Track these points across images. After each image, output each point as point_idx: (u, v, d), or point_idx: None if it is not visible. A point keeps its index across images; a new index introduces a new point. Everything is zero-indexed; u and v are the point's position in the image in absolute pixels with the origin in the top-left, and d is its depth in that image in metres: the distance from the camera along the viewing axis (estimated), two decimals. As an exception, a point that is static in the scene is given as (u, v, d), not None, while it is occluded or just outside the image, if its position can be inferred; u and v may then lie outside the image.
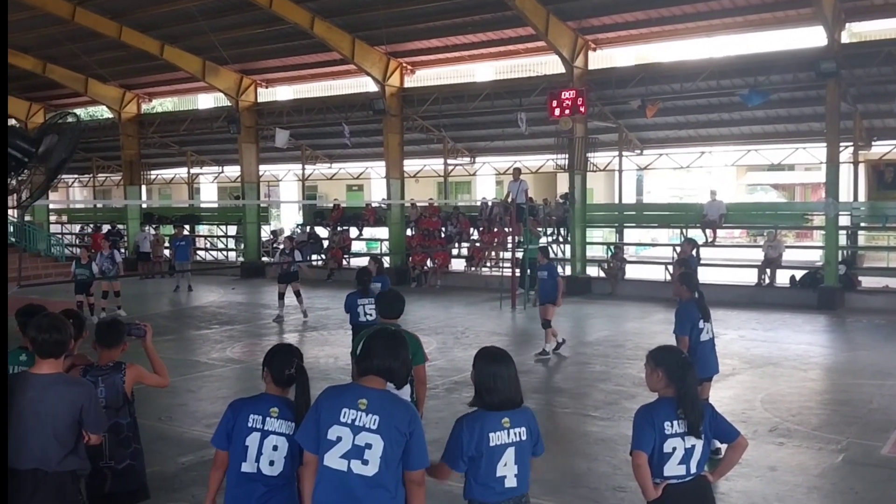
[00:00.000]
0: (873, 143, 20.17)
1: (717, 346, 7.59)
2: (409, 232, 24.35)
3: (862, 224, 19.64)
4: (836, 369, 11.89)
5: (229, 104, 27.09)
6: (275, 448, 3.89)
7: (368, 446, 3.54)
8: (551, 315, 12.29)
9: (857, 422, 8.73)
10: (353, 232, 26.64)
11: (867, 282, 18.64)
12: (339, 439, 3.57)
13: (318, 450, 3.61)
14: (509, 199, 20.92)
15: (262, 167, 28.36)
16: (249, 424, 3.91)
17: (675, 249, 19.45)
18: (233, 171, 29.78)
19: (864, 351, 12.90)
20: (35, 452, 4.14)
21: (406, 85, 23.94)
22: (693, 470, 4.02)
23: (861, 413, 9.11)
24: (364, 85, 25.32)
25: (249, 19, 21.82)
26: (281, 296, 16.69)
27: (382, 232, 25.89)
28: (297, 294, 16.65)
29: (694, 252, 12.75)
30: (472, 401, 3.92)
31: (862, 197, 19.88)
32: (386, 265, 17.01)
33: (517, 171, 21.54)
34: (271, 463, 3.89)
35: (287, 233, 27.92)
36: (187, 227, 28.77)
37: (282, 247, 26.87)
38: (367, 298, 8.96)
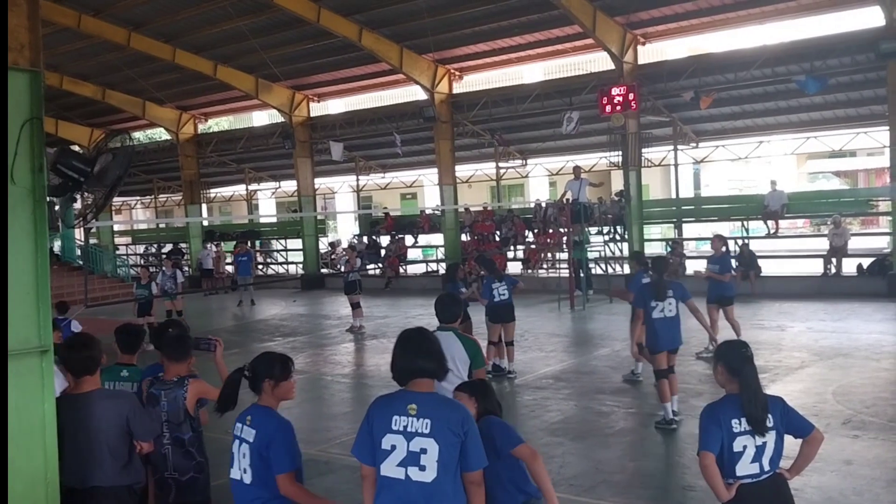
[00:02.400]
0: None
1: (786, 337, 7.41)
2: (463, 237, 24.36)
3: (931, 207, 18.95)
4: (910, 358, 11.48)
5: (283, 120, 27.54)
6: (244, 456, 3.96)
7: (423, 451, 3.48)
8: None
9: (937, 412, 8.41)
10: (409, 240, 26.79)
11: (940, 267, 17.98)
12: (393, 448, 3.52)
13: (375, 461, 3.57)
14: (567, 199, 20.19)
15: (317, 180, 28.79)
16: (236, 432, 4.04)
17: (736, 243, 19.07)
18: (289, 185, 30.22)
19: (941, 338, 12.44)
20: (92, 469, 4.25)
21: (455, 91, 24.01)
22: (767, 468, 3.88)
23: (940, 402, 8.77)
24: (413, 93, 25.49)
25: (299, 35, 22.15)
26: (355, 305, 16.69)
27: (437, 238, 25.97)
28: (354, 306, 16.35)
29: (724, 248, 11.97)
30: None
31: (930, 179, 19.21)
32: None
33: (577, 169, 20.82)
34: (245, 470, 3.96)
35: (344, 244, 28.17)
36: (248, 242, 29.26)
37: (343, 257, 27.21)
38: (501, 283, 10.77)
